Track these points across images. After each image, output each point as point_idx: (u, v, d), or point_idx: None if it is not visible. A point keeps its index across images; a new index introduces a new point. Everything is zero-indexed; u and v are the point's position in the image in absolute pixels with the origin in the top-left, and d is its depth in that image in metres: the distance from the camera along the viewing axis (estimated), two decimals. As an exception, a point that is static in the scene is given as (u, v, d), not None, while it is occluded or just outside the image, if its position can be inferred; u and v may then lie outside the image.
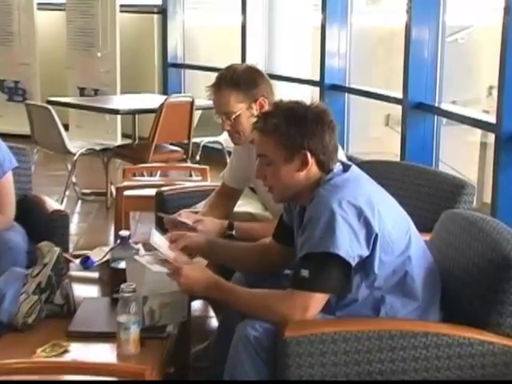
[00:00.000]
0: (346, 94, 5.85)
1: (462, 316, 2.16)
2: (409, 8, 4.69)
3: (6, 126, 7.44)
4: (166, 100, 5.41)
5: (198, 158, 6.06)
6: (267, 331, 2.07)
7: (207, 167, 4.50)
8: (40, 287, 2.39)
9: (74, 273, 2.78)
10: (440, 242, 2.38)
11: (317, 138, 2.15)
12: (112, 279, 2.53)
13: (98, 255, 2.79)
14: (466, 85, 6.20)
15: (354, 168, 2.24)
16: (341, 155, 2.53)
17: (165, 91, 7.59)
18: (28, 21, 7.94)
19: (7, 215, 3.11)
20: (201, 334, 3.32)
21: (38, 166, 5.78)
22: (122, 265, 2.45)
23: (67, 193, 5.61)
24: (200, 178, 4.54)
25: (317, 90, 5.95)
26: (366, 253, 2.08)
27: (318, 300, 2.07)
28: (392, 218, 2.15)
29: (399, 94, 4.91)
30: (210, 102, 2.86)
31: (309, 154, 2.15)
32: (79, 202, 5.78)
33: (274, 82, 2.87)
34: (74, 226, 5.04)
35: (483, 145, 5.19)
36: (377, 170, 2.93)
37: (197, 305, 3.66)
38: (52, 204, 3.33)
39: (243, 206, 3.09)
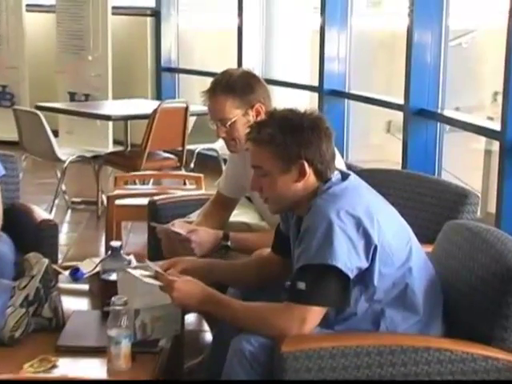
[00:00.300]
0: (346, 100, 5.87)
1: (464, 330, 2.17)
2: (411, 11, 4.71)
3: (-7, 132, 7.45)
4: (159, 105, 5.42)
5: (192, 165, 6.07)
6: (263, 346, 2.07)
7: (202, 175, 4.51)
8: (28, 300, 2.39)
9: (63, 285, 2.78)
10: (442, 254, 2.38)
11: (314, 146, 2.16)
12: (102, 292, 2.53)
13: (88, 267, 2.79)
14: (469, 90, 6.21)
15: (353, 177, 2.25)
16: (340, 163, 2.55)
17: (158, 96, 7.60)
18: (16, 23, 7.95)
19: (-6, 225, 3.11)
20: (194, 348, 3.33)
21: (26, 173, 5.78)
22: (113, 277, 2.45)
23: (56, 201, 5.61)
24: (194, 186, 4.55)
25: (315, 95, 5.96)
26: (364, 265, 2.09)
27: (316, 314, 2.08)
28: (392, 229, 2.16)
29: (400, 100, 4.92)
30: (205, 108, 2.87)
31: (306, 164, 2.16)
32: (69, 211, 5.78)
33: (271, 88, 2.89)
34: (63, 236, 5.04)
35: (487, 153, 5.20)
36: (377, 178, 2.93)
37: (190, 318, 3.66)
38: (40, 213, 3.33)
39: (239, 215, 3.10)
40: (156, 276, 2.24)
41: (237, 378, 2.07)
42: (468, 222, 2.60)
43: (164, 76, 7.74)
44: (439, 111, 4.79)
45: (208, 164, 6.36)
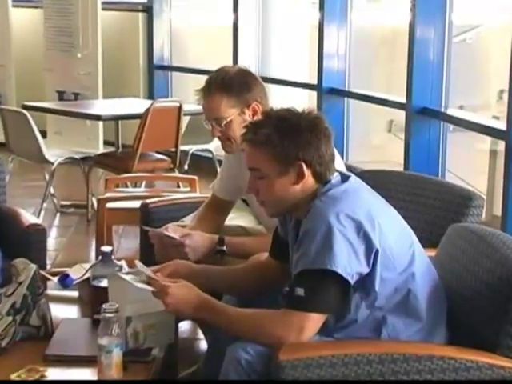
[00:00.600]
0: (346, 99, 5.88)
1: (469, 338, 2.17)
2: (413, 6, 4.72)
3: (-21, 133, 7.45)
4: (151, 105, 5.43)
5: (186, 167, 6.08)
6: (260, 354, 2.07)
7: (196, 177, 4.51)
8: (15, 307, 2.39)
9: (51, 292, 2.78)
10: (446, 258, 2.39)
11: (312, 147, 2.16)
12: (93, 298, 2.53)
13: (77, 273, 2.79)
14: (474, 88, 6.22)
15: (354, 178, 2.25)
16: (339, 165, 2.55)
17: (150, 95, 7.60)
18: (2, 18, 7.95)
19: (-21, 229, 3.11)
20: (189, 357, 3.33)
21: (13, 175, 5.79)
22: (104, 283, 2.45)
23: (45, 205, 5.61)
24: (188, 188, 4.55)
25: (314, 94, 5.98)
26: (365, 270, 2.09)
27: (315, 321, 2.08)
28: (394, 233, 2.16)
29: (402, 99, 4.93)
30: (200, 107, 2.87)
31: (304, 166, 2.16)
32: (58, 214, 5.78)
33: (267, 86, 2.89)
34: (51, 241, 5.04)
35: (493, 153, 5.21)
36: (378, 180, 2.94)
37: (184, 326, 3.67)
38: (28, 217, 3.33)
39: (235, 219, 3.10)
40: (148, 281, 2.24)
41: (233, 388, 2.07)
42: (473, 225, 2.60)
43: (156, 74, 7.74)
44: (443, 110, 4.80)
45: (202, 165, 6.37)
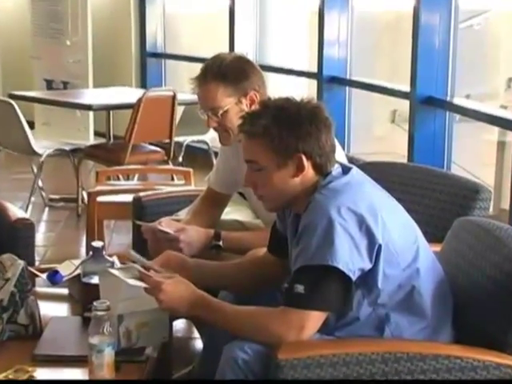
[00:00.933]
0: (347, 88, 5.88)
1: (476, 336, 2.17)
2: (417, -10, 4.72)
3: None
4: (144, 94, 5.43)
5: (180, 159, 6.08)
6: (258, 353, 2.08)
7: (191, 170, 4.52)
8: (2, 305, 2.39)
9: (40, 289, 2.78)
10: (451, 254, 2.39)
11: (312, 138, 2.16)
12: (83, 296, 2.53)
13: (67, 269, 2.79)
14: (481, 77, 6.23)
15: (355, 170, 2.25)
16: (341, 156, 2.56)
17: (143, 84, 7.60)
18: (-13, 4, 7.95)
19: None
20: (184, 357, 3.33)
21: (-1, 168, 5.80)
22: (95, 280, 2.45)
23: (33, 199, 5.62)
24: (183, 181, 4.56)
25: (314, 82, 5.98)
26: (368, 266, 2.10)
27: (315, 319, 2.09)
28: (397, 227, 2.16)
29: (406, 88, 4.93)
30: (195, 97, 2.87)
31: (304, 158, 2.17)
32: (46, 209, 5.79)
33: (265, 74, 2.89)
34: (40, 236, 5.04)
35: (501, 144, 5.22)
36: (381, 172, 2.94)
37: (179, 324, 3.67)
38: (15, 211, 3.33)
39: (231, 213, 3.10)
40: (141, 277, 2.24)
41: (230, 389, 2.08)
42: (479, 218, 2.61)
43: (149, 62, 7.74)
44: (448, 99, 4.80)
45: (198, 157, 6.37)
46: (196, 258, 2.54)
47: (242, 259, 2.58)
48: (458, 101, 4.81)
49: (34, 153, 5.53)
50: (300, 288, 2.07)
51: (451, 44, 4.78)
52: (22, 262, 2.50)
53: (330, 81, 5.83)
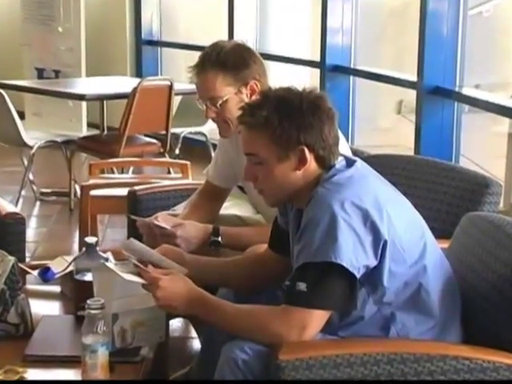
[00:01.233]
0: (351, 77, 5.88)
1: (486, 336, 2.18)
2: (424, -25, 4.72)
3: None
4: (139, 83, 5.42)
5: (177, 151, 6.08)
6: (258, 354, 2.08)
7: (188, 163, 4.52)
8: (-9, 303, 2.39)
9: (31, 286, 2.79)
10: (460, 250, 2.40)
11: (315, 130, 2.16)
12: (76, 293, 2.54)
13: (59, 266, 2.79)
14: (491, 66, 6.23)
15: (360, 163, 2.25)
16: (344, 149, 2.56)
17: (138, 73, 7.60)
18: (-25, -11, 7.94)
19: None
20: (181, 357, 3.34)
21: (-12, 160, 5.80)
22: (88, 277, 2.45)
23: (23, 192, 5.61)
24: (180, 175, 4.56)
25: (317, 71, 5.97)
26: (373, 263, 2.10)
27: (318, 318, 2.09)
28: (404, 222, 2.17)
29: (413, 77, 4.93)
30: (192, 86, 2.87)
31: (306, 150, 2.16)
32: (37, 203, 5.79)
33: (266, 63, 2.89)
34: (31, 232, 5.04)
35: (512, 136, 5.22)
36: (386, 165, 2.95)
37: (176, 323, 3.68)
38: (5, 206, 3.33)
39: (231, 207, 3.10)
40: (138, 272, 2.24)
41: (229, 391, 2.08)
42: (489, 214, 2.61)
43: (145, 50, 7.73)
44: (457, 89, 4.80)
45: (195, 150, 6.37)
46: (194, 254, 2.55)
47: (241, 256, 2.58)
48: (467, 91, 4.81)
49: (25, 144, 5.53)
50: (302, 286, 2.07)
51: (460, 31, 4.78)
52: (12, 259, 2.50)
53: (333, 70, 5.82)
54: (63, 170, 5.77)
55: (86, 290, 2.38)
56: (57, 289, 2.79)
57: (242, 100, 2.68)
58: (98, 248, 2.56)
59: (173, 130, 5.71)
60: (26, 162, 5.72)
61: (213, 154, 3.20)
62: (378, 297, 2.13)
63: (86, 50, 7.19)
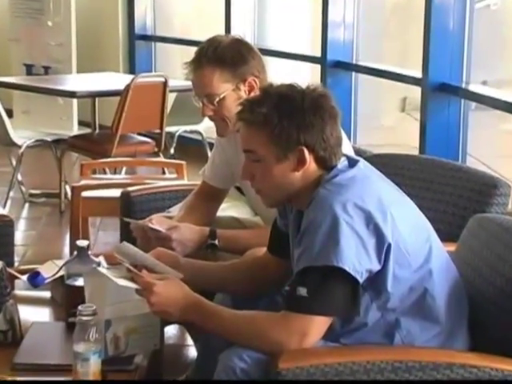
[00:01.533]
0: (353, 73, 5.88)
1: (494, 344, 2.18)
2: (430, -33, 4.72)
3: None
4: (132, 80, 5.42)
5: (172, 151, 6.08)
6: (257, 362, 2.08)
7: (184, 162, 4.52)
8: (-22, 310, 2.39)
9: (20, 292, 2.79)
10: (467, 254, 2.40)
11: (316, 130, 2.16)
12: (67, 299, 2.54)
13: (49, 270, 2.79)
14: (499, 61, 6.23)
15: (362, 163, 2.25)
16: (347, 148, 2.56)
17: (131, 69, 7.59)
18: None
19: None
20: (176, 365, 3.33)
21: (-26, 160, 5.79)
22: (80, 282, 2.45)
23: (11, 194, 5.61)
24: (175, 175, 4.56)
25: (317, 67, 5.97)
26: (376, 267, 2.10)
27: (319, 324, 2.09)
28: (408, 224, 2.17)
29: (418, 73, 4.93)
30: (188, 83, 2.87)
31: (306, 151, 2.17)
32: (26, 205, 5.78)
33: (265, 59, 2.89)
34: (20, 235, 5.04)
35: (520, 134, 5.23)
36: (390, 165, 2.95)
37: (171, 330, 3.67)
38: (-7, 208, 3.34)
39: (228, 209, 3.10)
40: (132, 277, 2.24)
41: (226, 401, 2.08)
42: (498, 216, 2.61)
43: (138, 45, 7.73)
44: (463, 86, 4.80)
45: (191, 149, 6.37)
46: (189, 258, 2.55)
47: (239, 259, 2.58)
48: (474, 87, 4.81)
49: (13, 144, 5.53)
50: (303, 291, 2.07)
51: (467, 25, 4.78)
52: (0, 263, 2.50)
53: (335, 66, 5.82)
54: (53, 170, 5.77)
55: (77, 295, 2.38)
56: (47, 294, 2.78)
57: (240, 97, 2.68)
58: (89, 252, 2.57)
59: (167, 129, 5.71)
60: (14, 162, 5.72)
61: (209, 154, 3.20)
62: (382, 302, 2.14)
63: (77, 45, 7.19)
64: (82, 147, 5.67)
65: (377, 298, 2.13)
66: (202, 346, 2.51)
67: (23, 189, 5.86)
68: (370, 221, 2.09)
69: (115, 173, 5.55)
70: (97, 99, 5.90)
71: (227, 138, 2.88)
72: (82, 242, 2.58)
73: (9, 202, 5.53)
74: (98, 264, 2.52)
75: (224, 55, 2.72)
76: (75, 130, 6.78)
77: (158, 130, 5.62)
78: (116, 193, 3.49)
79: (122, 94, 5.37)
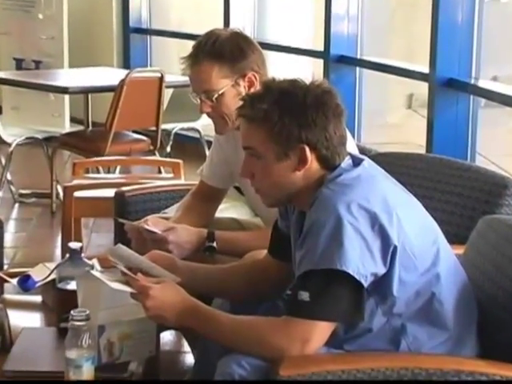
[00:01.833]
0: (357, 68, 5.88)
1: (504, 351, 2.18)
2: (437, -42, 4.72)
3: None
4: (127, 75, 5.42)
5: (168, 149, 6.08)
6: (256, 369, 2.08)
7: (180, 161, 4.52)
8: (-33, 314, 2.40)
9: (9, 296, 2.79)
10: (476, 256, 2.40)
11: (318, 128, 2.16)
12: (59, 304, 2.54)
13: (40, 273, 2.79)
14: (510, 56, 6.23)
15: (367, 162, 2.26)
16: (351, 146, 2.56)
17: (126, 64, 7.60)
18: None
19: None
20: (173, 373, 3.34)
21: (-38, 159, 5.79)
22: (72, 285, 2.46)
23: (0, 194, 5.62)
24: (171, 174, 4.56)
25: (320, 62, 5.98)
26: (381, 270, 2.10)
27: (322, 330, 2.09)
28: (415, 226, 2.17)
29: (425, 68, 4.93)
30: (185, 79, 2.88)
31: (307, 150, 2.17)
32: (16, 205, 5.78)
33: (265, 53, 2.89)
34: (9, 236, 5.05)
35: (532, 133, 5.23)
36: (395, 164, 2.95)
37: (167, 336, 3.68)
38: (-19, 208, 3.34)
39: (227, 210, 3.11)
40: (126, 280, 2.25)
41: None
42: (508, 217, 2.62)
43: (133, 39, 7.73)
44: (472, 81, 4.80)
45: (188, 147, 6.37)
46: (187, 261, 2.55)
47: (239, 262, 2.58)
48: (484, 83, 4.81)
49: (2, 141, 5.53)
50: (305, 295, 2.07)
51: (476, 19, 4.78)
52: (-11, 266, 2.50)
53: (338, 60, 5.83)
54: (44, 169, 5.77)
55: (69, 299, 2.39)
56: (38, 299, 2.79)
57: (239, 93, 2.68)
58: (82, 254, 2.56)
59: (163, 126, 5.71)
60: (3, 161, 5.72)
61: (207, 152, 3.21)
62: (387, 307, 2.14)
63: (69, 38, 7.20)
64: (74, 145, 5.66)
65: (382, 303, 2.14)
66: (200, 352, 2.51)
67: (13, 189, 5.86)
68: (375, 222, 2.09)
69: (109, 172, 5.55)
70: (90, 95, 5.90)
71: (226, 136, 2.88)
72: (74, 244, 2.59)
73: (-2, 203, 5.54)
74: (92, 267, 2.52)
75: (223, 49, 2.72)
76: (67, 128, 6.78)
77: (153, 128, 5.62)
78: (110, 193, 3.49)
79: (116, 89, 5.37)
